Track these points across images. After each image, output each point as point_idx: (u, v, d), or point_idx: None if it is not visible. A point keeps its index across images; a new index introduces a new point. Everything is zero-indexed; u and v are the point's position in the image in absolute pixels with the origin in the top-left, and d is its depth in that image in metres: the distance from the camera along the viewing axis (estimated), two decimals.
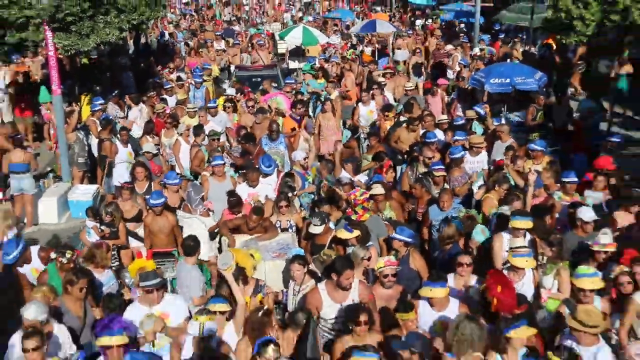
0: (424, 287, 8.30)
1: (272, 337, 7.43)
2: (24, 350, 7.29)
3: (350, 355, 6.95)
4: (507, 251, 9.41)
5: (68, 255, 9.70)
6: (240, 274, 8.83)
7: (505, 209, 10.76)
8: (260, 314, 7.90)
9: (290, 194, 11.88)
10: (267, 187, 12.67)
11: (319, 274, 9.40)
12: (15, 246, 9.44)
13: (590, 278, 8.24)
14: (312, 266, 9.65)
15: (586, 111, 18.05)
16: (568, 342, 7.52)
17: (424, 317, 8.21)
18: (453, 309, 8.17)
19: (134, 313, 8.41)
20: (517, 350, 7.20)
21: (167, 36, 37.95)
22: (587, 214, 10.21)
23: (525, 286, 9.00)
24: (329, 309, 8.42)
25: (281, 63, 30.04)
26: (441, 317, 8.05)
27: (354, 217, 10.80)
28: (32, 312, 7.81)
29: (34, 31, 16.27)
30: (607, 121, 18.95)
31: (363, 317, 7.59)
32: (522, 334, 7.16)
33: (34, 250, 10.05)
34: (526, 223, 9.73)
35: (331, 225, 10.57)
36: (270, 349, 7.02)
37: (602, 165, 12.60)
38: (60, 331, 8.17)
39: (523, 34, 30.99)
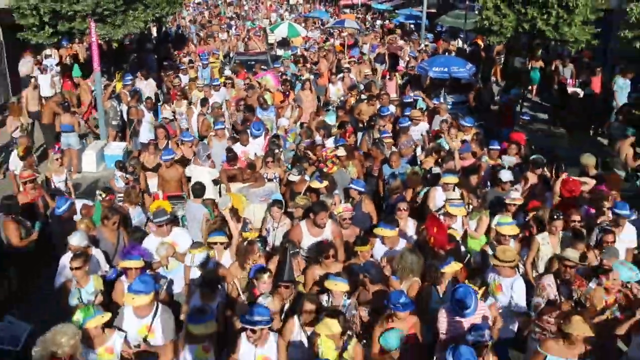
0: (379, 227, 8.35)
1: (264, 265, 7.49)
2: (71, 268, 7.42)
3: (326, 278, 7.04)
4: (444, 201, 9.42)
5: (103, 195, 9.77)
6: (235, 213, 8.85)
7: (437, 170, 10.92)
8: (245, 243, 7.98)
9: (276, 151, 11.85)
10: (256, 147, 12.68)
11: (294, 215, 9.50)
12: (65, 202, 9.55)
13: (509, 226, 8.42)
14: (290, 208, 9.75)
15: (511, 97, 18.09)
16: (491, 275, 7.63)
17: (378, 250, 8.27)
18: (401, 246, 8.22)
19: (150, 243, 8.42)
20: (446, 280, 7.34)
21: (182, 28, 37.49)
22: (505, 175, 10.27)
23: (456, 229, 9.15)
24: (308, 241, 8.51)
25: (270, 51, 29.76)
26: (391, 252, 8.07)
27: (325, 170, 10.82)
28: (76, 239, 7.92)
29: (80, 22, 16.14)
30: (519, 104, 19.03)
31: (331, 252, 7.71)
32: (452, 269, 7.31)
33: (79, 204, 10.05)
34: (453, 179, 9.83)
35: (306, 177, 10.58)
36: (266, 276, 7.13)
37: (515, 138, 12.69)
38: (98, 254, 8.28)
39: (460, 34, 30.89)
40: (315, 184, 10.02)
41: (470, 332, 6.04)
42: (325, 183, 10.02)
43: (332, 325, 6.10)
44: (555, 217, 8.71)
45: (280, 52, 28.98)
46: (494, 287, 7.55)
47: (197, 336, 6.30)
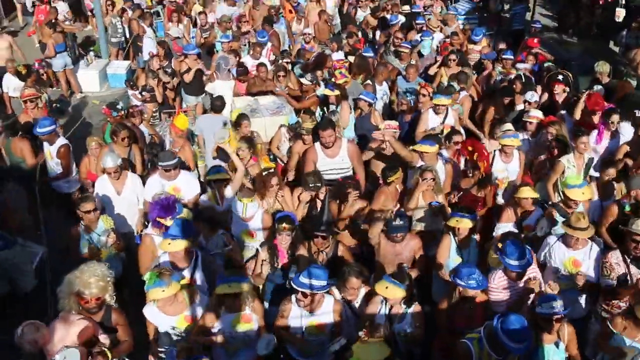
0: (418, 144, 7.79)
1: (290, 214, 6.62)
2: (81, 212, 6.69)
3: (378, 280, 5.83)
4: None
5: (118, 109, 9.32)
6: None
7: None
8: (265, 173, 7.42)
9: (280, 61, 11.64)
10: (264, 58, 12.20)
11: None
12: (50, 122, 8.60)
13: (579, 189, 6.88)
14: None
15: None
16: (556, 247, 6.42)
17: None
18: (440, 164, 7.77)
19: (153, 185, 7.54)
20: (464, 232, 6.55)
21: None
22: (533, 98, 9.70)
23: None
24: (323, 161, 7.97)
25: None
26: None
27: (339, 82, 10.12)
28: (110, 160, 7.39)
29: None
30: (529, 11, 18.39)
31: (355, 193, 7.14)
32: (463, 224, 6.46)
33: None
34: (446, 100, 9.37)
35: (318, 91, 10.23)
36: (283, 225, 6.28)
37: (531, 44, 12.53)
38: (133, 177, 7.83)
39: None
40: (327, 92, 9.68)
41: (540, 304, 5.14)
42: (337, 92, 9.61)
43: (395, 292, 5.48)
44: (580, 133, 8.14)
45: None
46: (569, 265, 6.33)
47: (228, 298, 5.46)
